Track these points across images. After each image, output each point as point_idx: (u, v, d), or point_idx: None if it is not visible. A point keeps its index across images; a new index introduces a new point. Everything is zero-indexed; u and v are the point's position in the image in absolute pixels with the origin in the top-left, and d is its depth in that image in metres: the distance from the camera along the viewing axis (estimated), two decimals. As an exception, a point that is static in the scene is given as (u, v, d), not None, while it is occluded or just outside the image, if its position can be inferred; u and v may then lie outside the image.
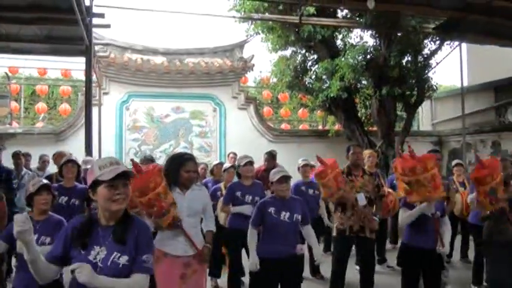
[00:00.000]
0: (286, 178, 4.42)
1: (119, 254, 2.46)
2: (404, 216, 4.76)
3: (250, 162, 6.07)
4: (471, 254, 7.32)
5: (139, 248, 2.51)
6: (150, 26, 48.45)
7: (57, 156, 7.50)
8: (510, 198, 5.14)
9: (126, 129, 11.38)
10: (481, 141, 12.70)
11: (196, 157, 10.08)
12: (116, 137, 11.28)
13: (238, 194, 5.92)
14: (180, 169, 4.04)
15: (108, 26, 8.73)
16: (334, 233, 5.78)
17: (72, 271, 2.30)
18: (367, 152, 7.65)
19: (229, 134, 11.86)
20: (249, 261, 4.45)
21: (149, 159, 7.01)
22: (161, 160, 10.19)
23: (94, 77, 9.36)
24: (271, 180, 4.48)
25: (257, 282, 4.47)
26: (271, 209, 4.39)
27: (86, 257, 2.44)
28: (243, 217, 5.64)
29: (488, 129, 12.50)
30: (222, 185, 6.95)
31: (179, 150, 11.23)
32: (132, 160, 3.93)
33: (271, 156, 8.05)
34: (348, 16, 11.23)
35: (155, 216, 3.71)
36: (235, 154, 9.37)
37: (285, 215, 4.36)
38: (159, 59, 11.81)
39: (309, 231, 4.64)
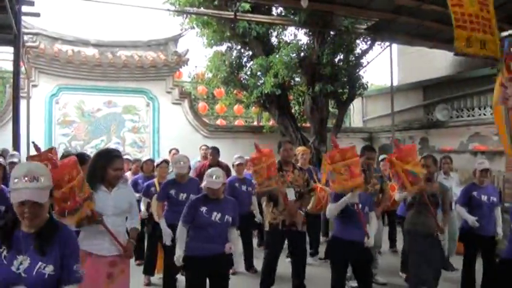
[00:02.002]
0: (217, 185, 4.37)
1: (44, 264, 2.34)
2: (331, 208, 4.91)
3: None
4: (399, 245, 7.73)
5: (67, 256, 2.41)
6: (81, 16, 47.04)
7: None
8: (433, 193, 5.40)
9: (55, 124, 10.95)
10: (409, 138, 13.19)
11: (129, 153, 9.98)
12: (46, 131, 10.82)
13: (173, 192, 5.85)
14: (107, 167, 3.91)
15: (38, 14, 8.37)
16: (266, 228, 5.84)
17: None
18: (300, 149, 7.77)
19: (163, 129, 11.68)
20: (176, 254, 4.40)
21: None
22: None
23: (22, 68, 9.01)
24: (203, 183, 4.44)
25: (188, 279, 4.47)
26: (203, 209, 4.35)
27: (8, 268, 2.30)
28: (177, 213, 5.62)
29: (416, 126, 13.00)
30: (155, 180, 6.82)
31: (111, 145, 11.01)
32: (33, 143, 3.83)
33: (215, 152, 8.18)
34: (283, 14, 11.33)
35: (68, 211, 3.49)
36: (177, 150, 9.28)
37: (216, 216, 4.33)
38: (90, 51, 11.47)
39: (233, 234, 4.59)
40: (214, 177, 4.36)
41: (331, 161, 4.69)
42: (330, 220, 5.45)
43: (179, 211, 5.62)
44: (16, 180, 2.32)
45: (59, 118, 10.96)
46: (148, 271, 6.70)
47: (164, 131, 11.64)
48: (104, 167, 3.91)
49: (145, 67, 11.47)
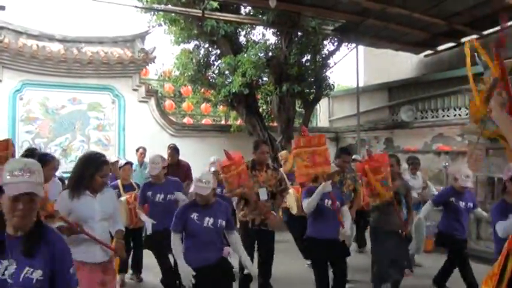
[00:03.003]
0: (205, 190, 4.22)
1: (32, 269, 2.23)
2: (307, 203, 4.94)
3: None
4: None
5: (59, 261, 2.34)
6: (47, 10, 46.09)
7: None
8: (395, 191, 5.53)
9: (19, 121, 10.62)
10: (374, 138, 13.38)
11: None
12: (9, 128, 10.49)
13: (149, 193, 5.83)
14: (95, 174, 3.81)
15: (2, 7, 8.19)
16: (237, 224, 5.83)
17: None
18: (283, 155, 7.81)
19: (129, 127, 11.49)
20: (181, 274, 4.17)
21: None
22: (57, 154, 9.75)
23: (-15, 63, 8.76)
24: (191, 188, 4.37)
25: None
26: (194, 215, 4.21)
27: None
28: (156, 216, 5.66)
29: (382, 126, 13.18)
30: (119, 182, 6.78)
31: (76, 144, 10.86)
32: None
33: (175, 151, 7.99)
34: (251, 13, 11.35)
35: (45, 218, 3.41)
36: (144, 149, 9.18)
37: (208, 221, 4.20)
38: (55, 46, 11.22)
39: (235, 238, 4.48)
40: (203, 182, 4.19)
41: (296, 146, 4.68)
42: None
43: (157, 213, 5.64)
44: (15, 173, 2.23)
45: (23, 115, 10.66)
46: (122, 269, 6.58)
47: (130, 129, 11.46)
48: (92, 174, 3.81)
49: (112, 64, 11.28)
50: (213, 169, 7.43)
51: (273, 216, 5.75)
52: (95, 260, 3.75)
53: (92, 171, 3.81)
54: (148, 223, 5.72)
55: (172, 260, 5.18)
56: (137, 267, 6.92)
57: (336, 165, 5.86)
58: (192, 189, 4.35)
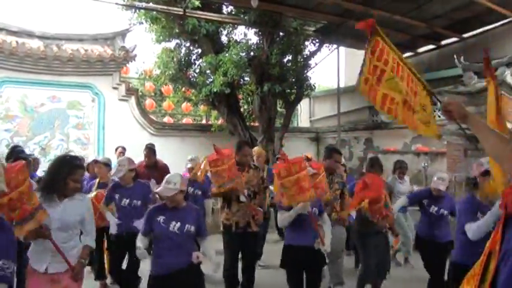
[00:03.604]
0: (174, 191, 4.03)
1: None
2: (282, 218, 4.86)
3: None
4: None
5: None
6: (27, 6, 45.46)
7: None
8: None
9: (-3, 119, 10.51)
10: (355, 138, 13.48)
11: (72, 150, 9.70)
12: (-12, 127, 10.38)
13: (116, 196, 5.63)
14: (68, 177, 3.62)
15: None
16: (220, 228, 5.73)
17: None
18: (256, 151, 7.78)
19: (109, 126, 11.38)
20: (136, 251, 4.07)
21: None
22: (36, 153, 9.62)
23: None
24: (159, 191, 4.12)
25: None
26: (161, 218, 4.01)
27: None
28: (121, 221, 5.54)
29: (362, 127, 13.29)
30: (96, 181, 6.66)
31: (55, 142, 10.73)
32: None
33: (151, 152, 7.73)
34: (233, 13, 11.33)
35: (16, 221, 3.23)
36: (123, 148, 9.09)
37: (174, 226, 3.98)
38: (35, 43, 11.06)
39: (206, 243, 4.31)
40: (170, 184, 4.00)
41: (279, 177, 4.62)
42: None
43: (121, 217, 5.51)
44: None
45: (1, 112, 10.47)
46: (100, 276, 6.48)
47: (110, 128, 11.35)
48: (65, 177, 3.61)
49: (92, 61, 11.17)
50: (189, 165, 7.40)
51: (261, 213, 5.70)
52: (41, 269, 3.54)
53: (64, 174, 3.61)
54: (112, 222, 5.59)
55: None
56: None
57: (326, 166, 5.72)
58: (158, 189, 4.16)
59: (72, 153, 7.79)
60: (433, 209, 5.69)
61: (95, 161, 7.39)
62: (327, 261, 5.18)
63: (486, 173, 4.20)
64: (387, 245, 5.79)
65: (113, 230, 5.58)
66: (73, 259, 3.64)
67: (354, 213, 5.97)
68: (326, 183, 5.32)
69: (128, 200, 5.54)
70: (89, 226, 3.87)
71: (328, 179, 5.78)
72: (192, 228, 4.04)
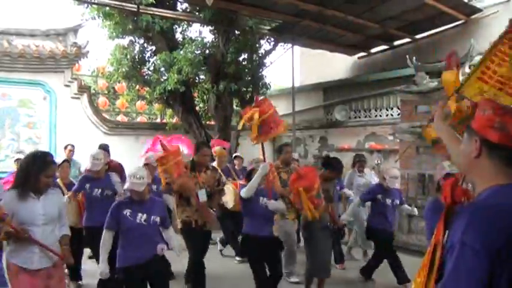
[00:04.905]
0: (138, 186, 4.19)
1: None
2: (247, 187, 5.03)
3: None
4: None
5: None
6: (-27, 0, 43.78)
7: None
8: (327, 190, 5.76)
9: None
10: (310, 137, 13.60)
11: (23, 150, 9.40)
12: None
13: (87, 186, 5.81)
14: (40, 174, 3.65)
15: None
16: (179, 226, 5.80)
17: None
18: (217, 152, 7.78)
19: (61, 125, 11.04)
20: (100, 269, 4.21)
21: None
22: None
23: None
24: (126, 185, 4.27)
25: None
26: (127, 211, 4.17)
27: None
28: (93, 212, 5.62)
29: (316, 125, 13.41)
30: (59, 181, 6.46)
31: (5, 142, 10.36)
32: None
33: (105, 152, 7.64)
34: (188, 10, 11.24)
35: None
36: (73, 146, 8.87)
37: (141, 217, 4.16)
38: (-17, 38, 10.68)
39: (168, 234, 4.51)
40: (137, 178, 4.15)
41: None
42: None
43: (94, 208, 5.61)
44: None
45: (-50, 111, 10.07)
46: (75, 277, 6.37)
47: (62, 127, 11.01)
48: (37, 173, 3.65)
49: (43, 58, 10.82)
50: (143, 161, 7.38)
51: (212, 216, 5.89)
52: (32, 267, 3.61)
53: (37, 170, 3.66)
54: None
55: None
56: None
57: (280, 161, 6.38)
58: (126, 186, 4.23)
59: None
60: (388, 201, 6.32)
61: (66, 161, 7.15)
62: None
63: (448, 176, 4.38)
64: (331, 241, 5.96)
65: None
66: (57, 248, 3.80)
67: None
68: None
69: (99, 190, 5.77)
70: (63, 217, 4.03)
71: (288, 172, 6.18)
72: (158, 219, 4.28)
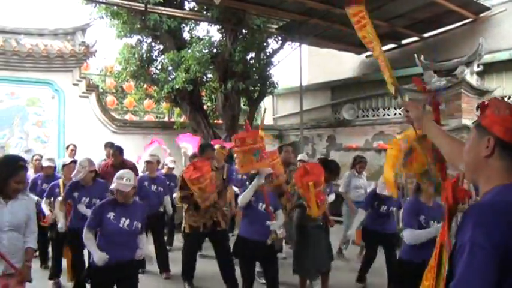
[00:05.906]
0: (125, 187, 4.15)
1: None
2: (243, 195, 5.01)
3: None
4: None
5: None
6: (-18, -1, 44.04)
7: None
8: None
9: (-47, 116, 10.09)
10: (317, 135, 13.58)
11: (32, 149, 9.43)
12: None
13: (75, 194, 5.59)
14: (9, 178, 3.55)
15: None
16: (187, 230, 5.94)
17: None
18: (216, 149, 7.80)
19: (69, 123, 11.08)
20: (95, 259, 4.09)
21: None
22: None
23: None
24: (112, 185, 4.21)
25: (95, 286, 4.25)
26: (111, 214, 4.10)
27: None
28: (79, 218, 5.43)
29: (324, 124, 13.41)
30: (60, 181, 6.43)
31: (14, 140, 10.42)
32: None
33: (119, 151, 7.60)
34: (195, 9, 11.25)
35: None
36: (75, 146, 8.89)
37: (124, 222, 4.11)
38: (-7, 38, 10.74)
39: (142, 240, 4.40)
40: (124, 180, 4.10)
41: (242, 144, 4.86)
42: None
43: (81, 216, 5.41)
44: None
45: (-41, 109, 10.12)
46: (54, 275, 6.35)
47: (70, 126, 11.06)
48: (5, 178, 3.55)
49: (51, 57, 10.88)
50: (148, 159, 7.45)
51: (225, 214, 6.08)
52: None
53: (5, 175, 3.55)
54: (62, 221, 5.82)
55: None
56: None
57: (281, 160, 6.42)
58: (112, 186, 4.19)
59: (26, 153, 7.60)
60: (383, 208, 6.23)
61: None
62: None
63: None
64: (325, 237, 5.92)
65: (61, 226, 5.81)
66: (19, 260, 3.65)
67: None
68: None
69: (87, 199, 5.57)
70: (32, 225, 3.84)
71: (287, 173, 6.32)
72: (139, 225, 4.22)
